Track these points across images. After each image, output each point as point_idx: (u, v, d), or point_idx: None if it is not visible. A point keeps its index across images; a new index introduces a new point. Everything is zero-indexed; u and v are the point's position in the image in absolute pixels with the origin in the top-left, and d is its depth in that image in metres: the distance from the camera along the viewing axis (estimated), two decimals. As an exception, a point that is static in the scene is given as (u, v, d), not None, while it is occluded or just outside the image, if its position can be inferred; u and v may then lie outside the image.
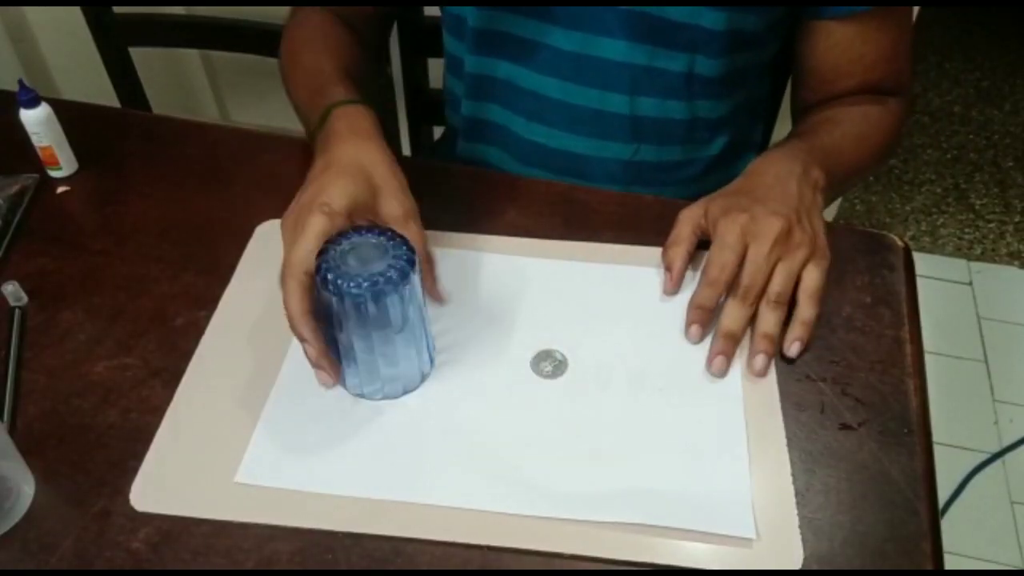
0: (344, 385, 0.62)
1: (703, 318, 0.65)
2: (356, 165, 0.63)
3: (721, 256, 0.65)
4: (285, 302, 0.58)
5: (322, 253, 0.57)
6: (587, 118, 0.83)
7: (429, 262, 0.66)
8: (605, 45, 0.78)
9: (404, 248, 0.57)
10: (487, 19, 0.80)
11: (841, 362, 0.65)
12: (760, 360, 0.63)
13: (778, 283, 0.64)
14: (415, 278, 0.57)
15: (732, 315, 0.65)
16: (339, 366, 0.61)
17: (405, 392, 0.62)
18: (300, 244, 0.57)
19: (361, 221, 0.61)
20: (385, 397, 0.62)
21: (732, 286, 0.65)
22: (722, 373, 0.63)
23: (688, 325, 0.66)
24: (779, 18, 0.79)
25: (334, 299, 0.56)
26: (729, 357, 0.64)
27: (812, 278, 0.65)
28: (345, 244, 0.57)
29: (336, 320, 0.57)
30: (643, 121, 0.82)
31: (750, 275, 0.64)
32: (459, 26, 0.84)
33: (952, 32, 2.58)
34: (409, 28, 1.07)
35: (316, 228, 0.58)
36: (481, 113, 0.88)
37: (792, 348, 0.64)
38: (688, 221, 0.69)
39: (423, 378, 0.63)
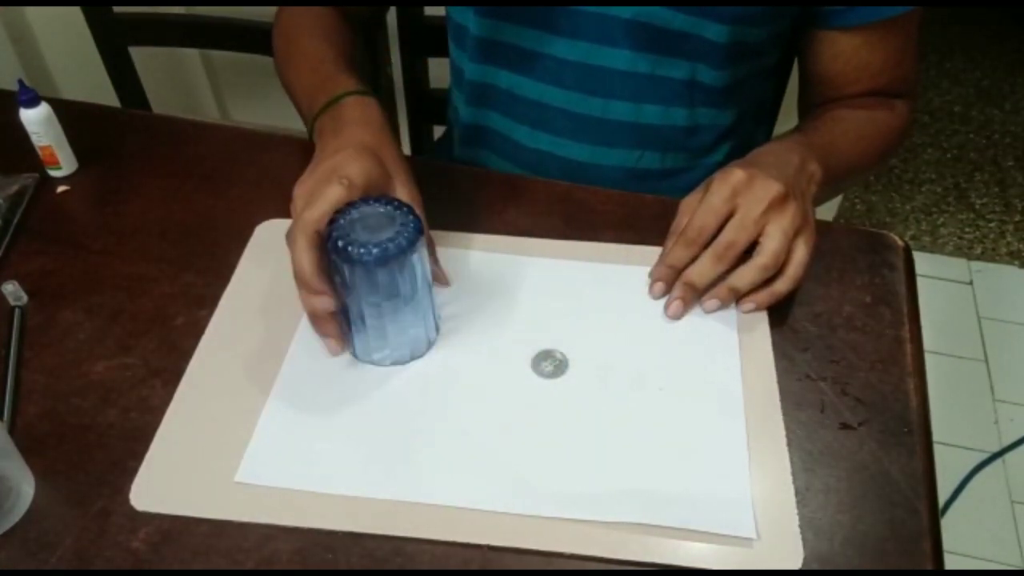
0: (354, 353, 0.64)
1: (671, 277, 0.66)
2: (371, 150, 0.64)
3: (703, 219, 0.64)
4: (295, 258, 0.58)
5: (332, 222, 0.58)
6: (591, 126, 0.83)
7: (431, 245, 0.67)
8: (608, 54, 0.78)
9: (411, 217, 0.59)
10: (489, 28, 0.80)
11: (841, 362, 0.65)
12: (711, 304, 0.65)
13: (773, 248, 0.63)
14: (422, 246, 0.59)
15: (702, 270, 0.64)
16: (346, 332, 0.62)
17: (413, 358, 0.64)
18: (315, 206, 0.59)
19: None
20: (394, 363, 0.63)
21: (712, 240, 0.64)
22: (677, 317, 0.65)
23: (654, 282, 0.67)
24: (782, 29, 0.79)
25: (345, 266, 0.57)
26: (687, 304, 0.65)
27: (801, 253, 0.64)
28: (354, 213, 0.59)
29: (347, 287, 0.59)
30: (646, 129, 0.82)
31: (734, 231, 0.63)
32: (461, 35, 0.84)
33: (952, 32, 2.57)
34: (409, 28, 1.07)
35: (333, 196, 0.59)
36: (480, 120, 0.88)
37: (745, 307, 0.65)
38: (687, 211, 0.69)
39: (429, 345, 0.65)
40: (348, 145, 0.64)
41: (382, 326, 0.61)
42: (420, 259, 0.60)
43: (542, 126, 0.85)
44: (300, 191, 0.62)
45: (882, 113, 0.80)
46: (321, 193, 0.59)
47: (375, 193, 0.62)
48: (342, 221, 0.59)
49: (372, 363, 0.64)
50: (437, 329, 0.66)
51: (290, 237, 0.59)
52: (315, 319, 0.61)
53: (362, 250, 0.57)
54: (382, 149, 0.65)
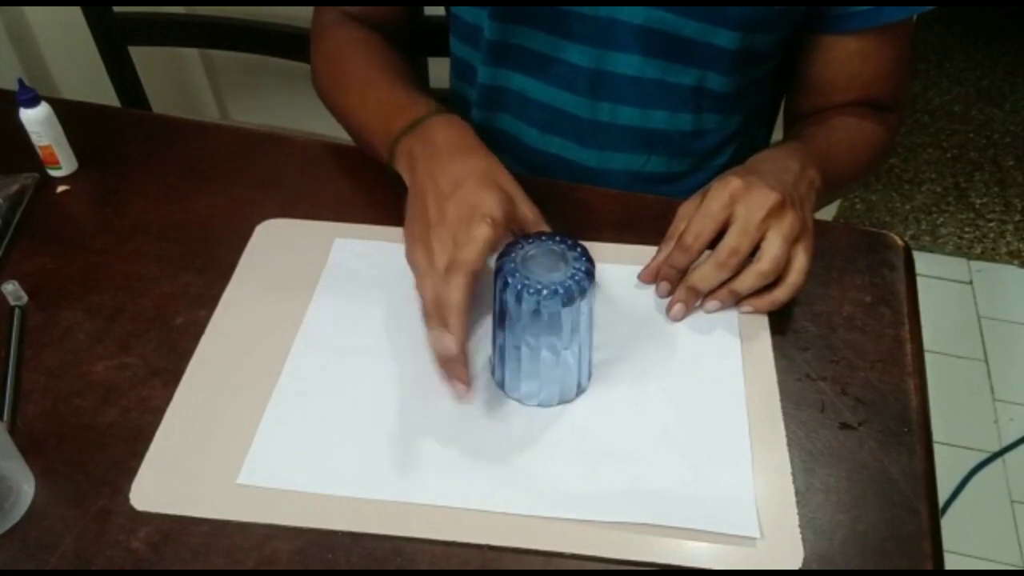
0: (503, 388, 0.62)
1: (676, 278, 0.66)
2: (490, 176, 0.63)
3: (700, 224, 0.64)
4: (451, 295, 0.57)
5: (502, 256, 0.57)
6: (599, 131, 0.83)
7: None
8: (619, 60, 0.78)
9: (584, 258, 0.57)
10: (503, 32, 0.80)
11: (841, 361, 0.65)
12: (712, 305, 0.66)
13: (773, 254, 0.63)
14: (595, 287, 0.57)
15: (705, 275, 0.65)
16: (470, 372, 0.60)
17: (562, 402, 0.61)
18: (471, 247, 0.58)
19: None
20: (540, 404, 0.61)
21: (715, 244, 0.64)
22: (679, 320, 0.66)
23: (659, 281, 0.68)
24: (788, 34, 0.79)
25: (520, 305, 0.55)
26: (689, 307, 0.66)
27: (801, 260, 0.64)
28: (528, 249, 0.57)
29: (510, 326, 0.57)
30: (654, 133, 0.82)
31: (736, 237, 0.63)
32: (472, 35, 0.84)
33: (952, 32, 2.58)
34: (409, 27, 1.06)
35: (482, 238, 0.58)
36: (491, 122, 0.88)
37: (744, 308, 0.66)
38: (685, 216, 0.69)
39: (581, 390, 0.62)
40: (468, 176, 0.62)
41: (536, 365, 0.58)
42: (590, 301, 0.57)
43: (551, 130, 0.85)
44: (438, 236, 0.60)
45: (872, 124, 0.81)
46: (470, 236, 0.58)
47: (513, 222, 0.62)
48: (514, 256, 0.56)
49: (518, 400, 0.61)
50: (590, 375, 0.62)
51: (444, 275, 0.58)
52: (446, 362, 0.59)
53: (544, 291, 0.54)
54: (497, 172, 0.64)
